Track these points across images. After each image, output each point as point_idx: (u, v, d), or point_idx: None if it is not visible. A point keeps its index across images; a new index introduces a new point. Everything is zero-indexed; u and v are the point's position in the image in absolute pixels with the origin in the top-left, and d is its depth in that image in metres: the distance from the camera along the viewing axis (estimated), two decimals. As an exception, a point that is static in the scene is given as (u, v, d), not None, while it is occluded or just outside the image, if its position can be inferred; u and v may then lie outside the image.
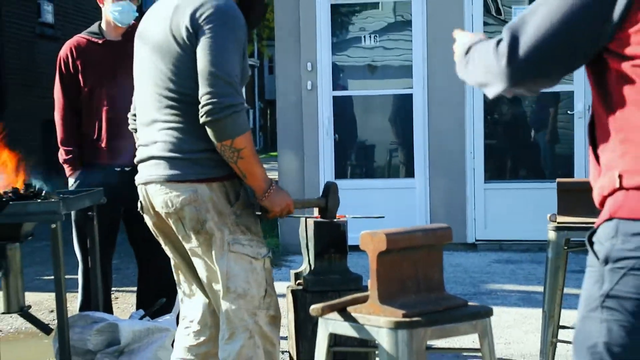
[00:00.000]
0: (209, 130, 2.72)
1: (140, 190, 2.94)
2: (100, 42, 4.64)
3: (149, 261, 4.59)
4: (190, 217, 2.79)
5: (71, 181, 4.60)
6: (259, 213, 2.92)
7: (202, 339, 2.99)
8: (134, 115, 3.08)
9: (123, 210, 4.55)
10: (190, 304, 3.03)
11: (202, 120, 2.71)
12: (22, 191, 3.64)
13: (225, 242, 2.80)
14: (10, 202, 3.52)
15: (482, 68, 1.90)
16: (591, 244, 1.85)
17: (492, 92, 1.90)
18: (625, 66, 1.76)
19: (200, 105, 2.70)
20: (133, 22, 4.68)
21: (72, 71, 4.62)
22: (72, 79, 4.62)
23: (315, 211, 4.07)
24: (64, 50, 4.66)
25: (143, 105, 2.92)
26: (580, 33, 1.78)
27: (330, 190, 3.16)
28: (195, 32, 2.74)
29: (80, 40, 4.67)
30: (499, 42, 1.84)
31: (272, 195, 2.86)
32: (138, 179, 2.94)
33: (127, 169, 4.30)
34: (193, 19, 2.75)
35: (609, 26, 1.75)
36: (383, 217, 4.35)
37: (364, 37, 8.40)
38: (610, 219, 1.80)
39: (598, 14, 1.76)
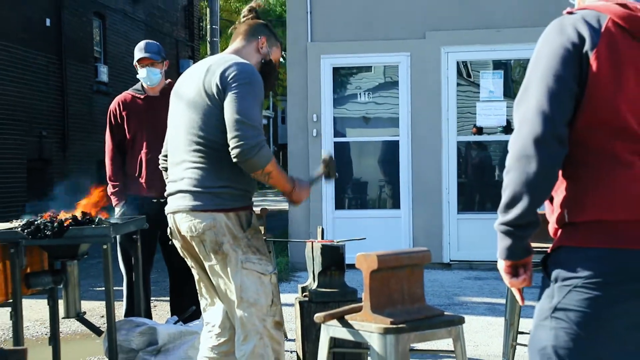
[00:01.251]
0: (242, 166, 2.72)
1: (169, 218, 2.92)
2: (142, 97, 4.67)
3: (180, 275, 4.57)
4: (210, 240, 2.78)
5: (117, 210, 4.60)
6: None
7: (222, 339, 2.97)
8: (165, 156, 3.07)
9: (159, 234, 4.54)
10: (211, 312, 3.00)
11: (235, 160, 2.70)
12: (79, 218, 3.64)
13: (239, 261, 2.79)
14: (70, 227, 3.53)
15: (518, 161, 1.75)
16: (545, 266, 1.85)
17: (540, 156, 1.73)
18: (578, 134, 1.78)
19: (230, 148, 2.69)
20: (169, 80, 4.72)
21: (119, 121, 4.64)
22: (119, 128, 4.64)
23: (319, 235, 4.06)
24: (113, 104, 4.70)
25: (175, 148, 2.92)
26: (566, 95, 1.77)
27: (327, 162, 3.09)
28: (223, 88, 2.76)
29: (127, 96, 4.70)
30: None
31: (296, 192, 2.88)
32: (167, 209, 2.92)
33: (162, 200, 4.29)
34: (222, 77, 2.76)
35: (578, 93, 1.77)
36: (364, 238, 4.33)
37: (359, 94, 8.44)
38: (560, 246, 1.81)
39: (572, 88, 1.76)
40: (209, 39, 15.83)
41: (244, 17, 3.05)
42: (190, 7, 20.73)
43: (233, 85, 2.73)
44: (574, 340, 1.75)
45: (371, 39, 8.08)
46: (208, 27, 16.10)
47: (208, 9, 15.95)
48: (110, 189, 4.63)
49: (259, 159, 2.68)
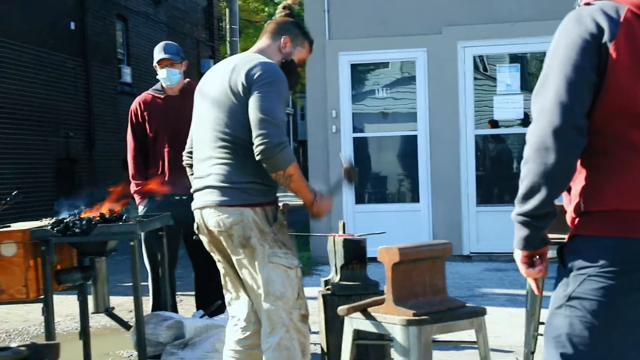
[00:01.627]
0: (264, 165, 2.71)
1: (197, 213, 2.92)
2: (162, 97, 4.69)
3: (204, 271, 4.58)
4: (238, 234, 2.78)
5: (140, 208, 4.61)
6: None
7: (247, 333, 2.97)
8: (189, 153, 3.06)
9: (183, 230, 4.54)
10: (236, 305, 3.01)
11: (258, 157, 2.69)
12: (107, 216, 3.66)
13: (266, 255, 2.79)
14: (99, 225, 3.55)
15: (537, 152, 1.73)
16: (561, 255, 1.84)
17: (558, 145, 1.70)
18: (597, 123, 1.76)
19: (254, 146, 2.69)
20: (188, 80, 4.73)
21: (140, 120, 4.65)
22: (140, 127, 4.65)
23: (340, 230, 4.05)
24: (134, 105, 4.71)
25: (201, 144, 2.92)
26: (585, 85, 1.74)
27: (349, 172, 3.05)
28: (249, 87, 2.76)
29: (147, 96, 4.71)
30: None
31: (318, 204, 2.85)
32: (194, 205, 2.92)
33: (184, 197, 4.29)
34: (248, 76, 2.77)
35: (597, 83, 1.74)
36: (384, 232, 4.29)
37: (377, 89, 8.42)
38: (576, 235, 1.79)
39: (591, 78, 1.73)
40: (228, 39, 15.88)
41: (278, 13, 3.04)
42: (210, 8, 20.79)
43: (258, 85, 2.73)
44: (588, 328, 1.75)
45: (388, 36, 8.05)
46: (227, 27, 16.15)
47: (227, 10, 16.00)
48: (133, 188, 4.65)
49: (281, 159, 2.67)
